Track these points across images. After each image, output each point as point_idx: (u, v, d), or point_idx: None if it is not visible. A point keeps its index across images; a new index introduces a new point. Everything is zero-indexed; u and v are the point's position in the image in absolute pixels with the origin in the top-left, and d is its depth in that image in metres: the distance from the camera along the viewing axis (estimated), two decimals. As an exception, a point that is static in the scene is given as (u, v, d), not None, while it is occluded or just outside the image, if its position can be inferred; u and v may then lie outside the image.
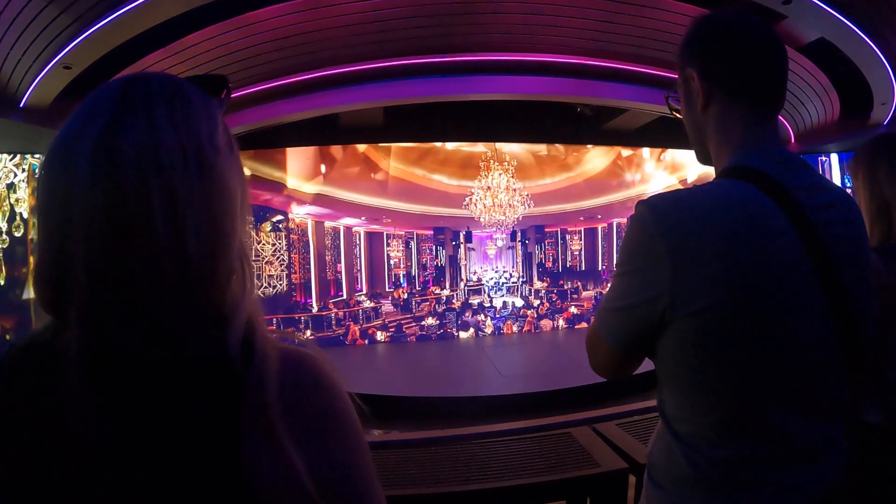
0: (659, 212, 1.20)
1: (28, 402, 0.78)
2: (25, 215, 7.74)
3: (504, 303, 12.15)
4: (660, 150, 12.60)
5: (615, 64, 8.05)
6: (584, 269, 12.90)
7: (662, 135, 10.90)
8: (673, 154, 12.52)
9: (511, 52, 7.73)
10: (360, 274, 11.50)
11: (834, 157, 10.71)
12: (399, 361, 10.30)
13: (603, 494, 2.56)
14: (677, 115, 1.52)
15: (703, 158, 1.46)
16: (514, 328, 11.87)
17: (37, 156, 8.01)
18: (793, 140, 10.59)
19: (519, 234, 12.50)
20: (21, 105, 6.51)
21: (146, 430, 0.74)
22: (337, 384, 0.86)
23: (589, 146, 12.33)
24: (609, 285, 1.34)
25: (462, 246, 12.21)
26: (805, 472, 1.23)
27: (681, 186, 11.83)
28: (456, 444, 2.86)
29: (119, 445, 0.73)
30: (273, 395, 0.77)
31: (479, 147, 11.78)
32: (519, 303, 12.24)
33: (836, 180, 11.00)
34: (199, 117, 0.84)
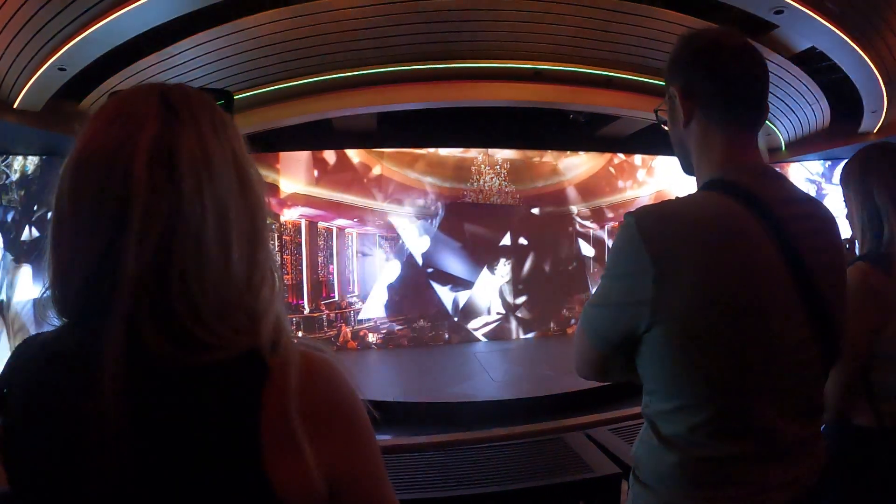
0: (643, 222, 1.26)
1: (47, 400, 0.79)
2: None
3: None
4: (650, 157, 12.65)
5: (608, 71, 8.10)
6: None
7: (654, 142, 10.93)
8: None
9: (505, 59, 7.78)
10: (353, 275, 11.44)
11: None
12: (390, 365, 10.26)
13: (596, 499, 2.58)
14: (665, 127, 1.56)
15: (687, 170, 1.51)
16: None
17: (30, 158, 7.99)
18: (783, 147, 10.65)
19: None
20: (14, 106, 6.49)
21: (172, 428, 0.75)
22: (353, 388, 0.87)
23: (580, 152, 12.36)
24: (597, 288, 1.39)
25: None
26: (786, 469, 1.29)
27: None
28: (449, 449, 2.87)
29: (146, 444, 0.74)
30: (293, 393, 0.78)
31: (472, 152, 11.77)
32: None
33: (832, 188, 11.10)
34: (233, 129, 0.86)
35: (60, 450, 0.76)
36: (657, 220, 1.27)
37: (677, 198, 1.35)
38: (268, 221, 0.87)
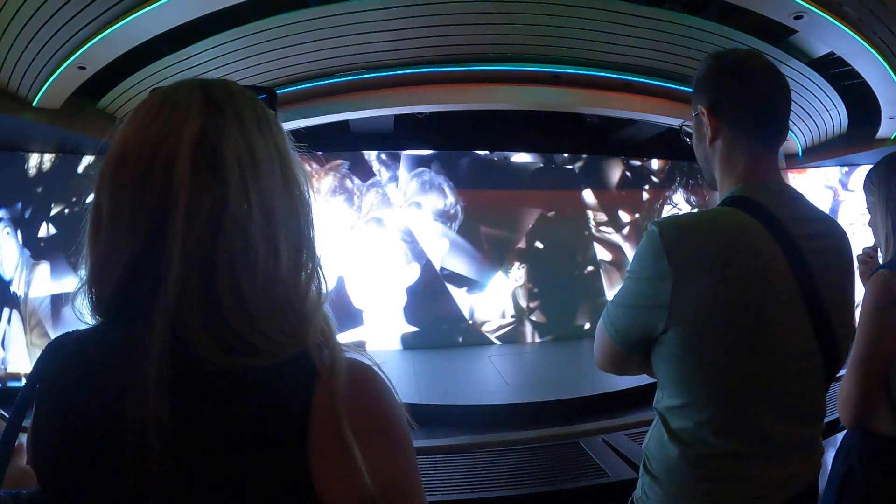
0: (666, 233, 1.34)
1: (80, 399, 0.77)
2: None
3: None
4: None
5: (626, 75, 8.08)
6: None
7: (670, 147, 10.90)
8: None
9: (523, 63, 7.77)
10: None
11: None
12: (404, 367, 10.22)
13: (612, 504, 2.57)
14: (689, 141, 1.66)
15: (711, 183, 1.59)
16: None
17: (47, 155, 8.04)
18: (800, 153, 10.60)
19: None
20: (33, 104, 6.53)
21: (217, 432, 0.74)
22: (396, 399, 0.86)
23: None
24: (620, 287, 1.48)
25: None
26: (784, 469, 1.38)
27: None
28: (465, 453, 2.87)
29: (189, 448, 0.73)
30: (343, 399, 0.77)
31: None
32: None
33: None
34: (277, 126, 0.85)
35: (95, 453, 0.75)
36: (678, 231, 1.35)
37: (699, 211, 1.40)
38: (313, 219, 0.86)
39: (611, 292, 12.05)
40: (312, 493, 0.75)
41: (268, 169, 0.79)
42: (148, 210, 0.76)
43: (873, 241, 2.10)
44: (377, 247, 10.96)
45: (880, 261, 2.03)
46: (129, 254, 0.77)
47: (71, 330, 0.87)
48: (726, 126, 1.46)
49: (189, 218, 0.74)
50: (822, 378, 1.41)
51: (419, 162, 11.24)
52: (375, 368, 0.86)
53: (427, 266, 11.25)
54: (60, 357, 0.84)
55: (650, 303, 1.35)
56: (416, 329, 11.12)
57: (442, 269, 11.31)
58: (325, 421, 0.76)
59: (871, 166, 2.15)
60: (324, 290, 0.85)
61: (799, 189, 1.53)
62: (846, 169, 11.39)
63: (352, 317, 10.49)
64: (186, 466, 0.73)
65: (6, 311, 8.05)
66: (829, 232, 1.46)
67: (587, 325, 11.81)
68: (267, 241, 0.77)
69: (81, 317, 0.84)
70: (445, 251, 11.32)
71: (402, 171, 11.07)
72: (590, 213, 12.29)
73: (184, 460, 0.73)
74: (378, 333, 10.73)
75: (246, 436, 0.74)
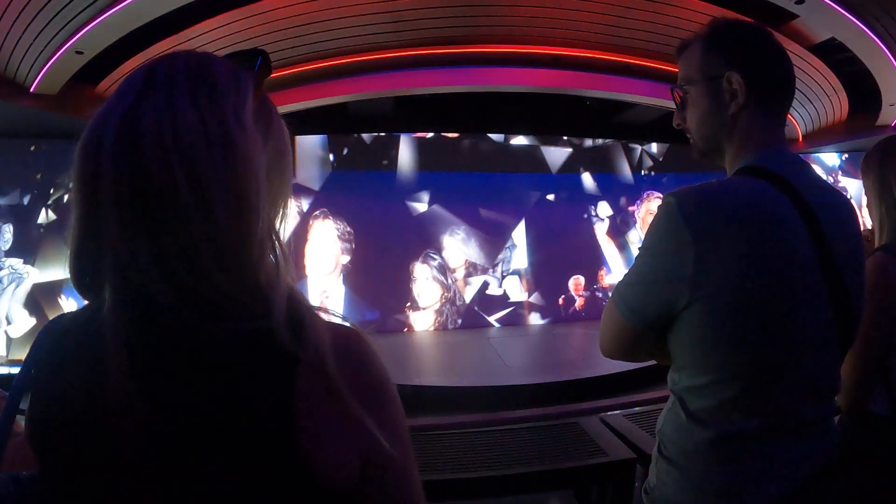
0: (685, 202, 1.28)
1: (71, 380, 0.79)
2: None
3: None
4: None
5: (627, 59, 8.07)
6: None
7: (670, 130, 10.87)
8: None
9: (524, 45, 7.77)
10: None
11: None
12: (398, 349, 10.24)
13: (610, 483, 2.59)
14: (679, 103, 1.59)
15: (706, 154, 1.55)
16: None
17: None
18: (800, 139, 10.60)
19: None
20: (31, 91, 6.53)
21: (187, 404, 0.74)
22: (383, 363, 0.87)
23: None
24: (631, 266, 1.41)
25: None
26: (808, 445, 1.34)
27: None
28: (465, 432, 2.88)
29: (160, 420, 0.74)
30: (333, 365, 0.78)
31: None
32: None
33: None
34: (226, 94, 0.83)
35: (85, 436, 0.76)
36: (699, 200, 1.29)
37: (716, 181, 1.37)
38: (266, 190, 0.84)
39: (609, 277, 12.14)
40: (301, 463, 0.76)
41: (194, 136, 0.78)
42: (84, 193, 0.78)
43: (869, 224, 2.11)
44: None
45: (875, 244, 2.04)
46: (85, 230, 0.79)
47: (65, 312, 0.89)
48: (755, 97, 1.41)
49: (115, 185, 0.75)
50: (837, 351, 1.37)
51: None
52: (363, 335, 0.86)
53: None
54: (52, 340, 0.85)
55: (671, 276, 1.29)
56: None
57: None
58: (315, 394, 0.77)
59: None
60: (281, 261, 0.84)
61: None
62: (846, 155, 11.39)
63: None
64: (169, 447, 0.74)
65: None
66: (840, 203, 1.42)
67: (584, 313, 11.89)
68: (199, 208, 0.76)
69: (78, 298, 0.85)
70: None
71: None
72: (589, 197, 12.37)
73: (165, 441, 0.74)
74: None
75: (224, 418, 0.75)
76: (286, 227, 0.91)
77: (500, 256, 11.78)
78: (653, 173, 12.94)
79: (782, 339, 1.28)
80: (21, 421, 0.85)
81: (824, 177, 10.08)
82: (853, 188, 11.11)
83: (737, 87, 1.42)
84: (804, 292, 1.29)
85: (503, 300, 11.79)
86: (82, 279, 0.82)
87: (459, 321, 11.50)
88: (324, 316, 0.85)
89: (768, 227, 1.27)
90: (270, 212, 0.86)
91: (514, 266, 11.85)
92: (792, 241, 1.28)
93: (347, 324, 0.87)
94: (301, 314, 0.81)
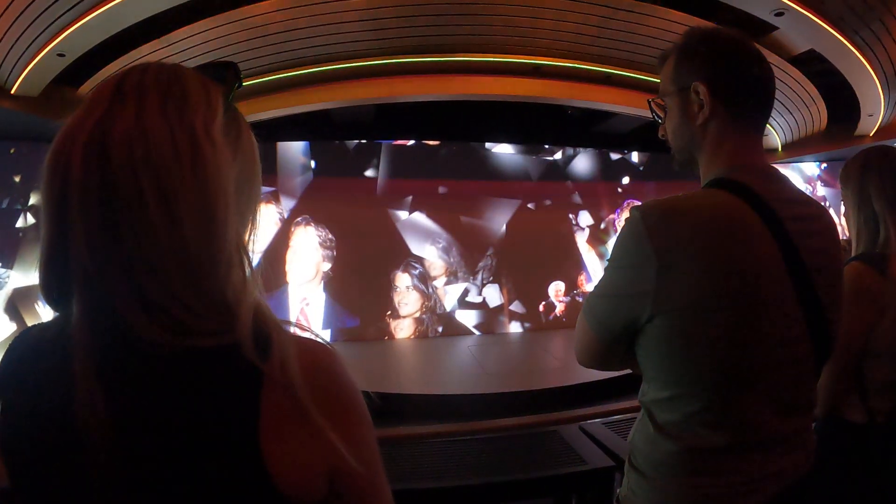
0: (649, 217, 1.28)
1: (40, 394, 0.79)
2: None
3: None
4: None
5: (607, 68, 8.12)
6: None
7: (651, 139, 10.95)
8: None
9: (505, 54, 7.79)
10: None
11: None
12: (378, 357, 10.20)
13: (589, 492, 2.59)
14: (658, 119, 1.58)
15: (684, 166, 1.54)
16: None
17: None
18: (780, 149, 10.69)
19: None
20: (12, 92, 6.47)
21: (154, 421, 0.75)
22: (352, 377, 0.87)
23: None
24: (600, 278, 1.41)
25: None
26: (781, 459, 1.33)
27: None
28: (444, 440, 2.88)
29: (127, 436, 0.74)
30: (299, 380, 0.78)
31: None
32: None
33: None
34: (195, 107, 0.83)
35: (53, 450, 0.76)
36: (662, 215, 1.27)
37: (683, 194, 1.35)
38: (235, 203, 0.84)
39: (590, 285, 12.16)
40: (267, 475, 0.76)
41: (163, 148, 0.78)
42: (52, 206, 0.78)
43: (847, 233, 2.13)
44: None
45: (852, 252, 2.07)
46: (53, 239, 0.78)
47: (35, 323, 0.89)
48: (723, 107, 1.40)
49: (82, 197, 0.75)
50: (812, 365, 1.36)
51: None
52: (331, 349, 0.86)
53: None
54: (19, 353, 0.85)
55: (633, 290, 1.29)
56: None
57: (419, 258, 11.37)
58: (281, 409, 0.77)
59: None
60: (247, 275, 0.84)
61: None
62: (825, 165, 11.51)
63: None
64: (135, 462, 0.74)
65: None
66: (815, 214, 1.41)
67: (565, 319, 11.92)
68: (166, 216, 0.76)
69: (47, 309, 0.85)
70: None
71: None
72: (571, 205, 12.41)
73: (131, 456, 0.74)
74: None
75: (190, 434, 0.75)
76: (255, 240, 0.91)
77: (481, 264, 11.78)
78: (633, 182, 13.01)
79: (745, 354, 1.27)
80: None
81: (802, 187, 10.25)
82: (832, 197, 11.23)
83: (703, 97, 1.40)
84: (771, 307, 1.27)
85: (483, 307, 11.79)
86: (50, 291, 0.81)
87: (440, 329, 11.48)
88: (293, 330, 0.85)
89: (732, 242, 1.26)
90: (239, 226, 0.87)
91: (494, 274, 11.85)
92: (758, 256, 1.26)
93: (317, 339, 0.87)
94: (268, 329, 0.81)
